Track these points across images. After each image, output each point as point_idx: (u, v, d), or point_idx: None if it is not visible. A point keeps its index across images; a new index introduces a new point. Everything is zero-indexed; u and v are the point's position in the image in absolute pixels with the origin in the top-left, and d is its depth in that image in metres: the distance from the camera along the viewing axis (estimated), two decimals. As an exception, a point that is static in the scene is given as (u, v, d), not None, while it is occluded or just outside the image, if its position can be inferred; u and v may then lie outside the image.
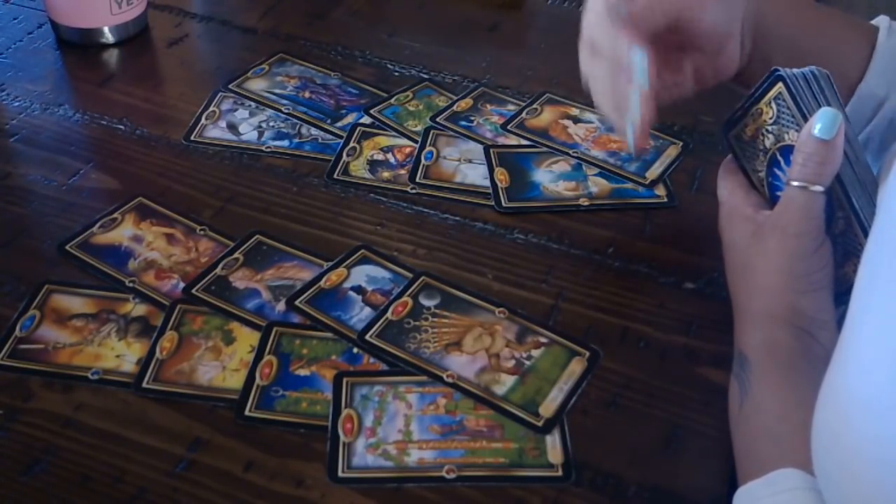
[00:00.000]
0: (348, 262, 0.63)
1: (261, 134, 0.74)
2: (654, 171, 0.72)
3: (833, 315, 0.50)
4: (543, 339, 0.58)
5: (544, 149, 0.73)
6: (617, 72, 0.57)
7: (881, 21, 0.60)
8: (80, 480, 0.50)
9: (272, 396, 0.54)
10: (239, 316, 0.59)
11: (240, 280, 0.61)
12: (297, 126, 0.75)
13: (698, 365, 0.58)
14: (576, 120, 0.77)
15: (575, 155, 0.73)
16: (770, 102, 0.55)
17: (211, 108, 0.77)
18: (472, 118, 0.77)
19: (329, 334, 0.58)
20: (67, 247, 0.63)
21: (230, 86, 0.79)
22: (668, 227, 0.68)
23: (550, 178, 0.71)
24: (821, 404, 0.39)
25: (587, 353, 0.58)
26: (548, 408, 0.54)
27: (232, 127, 0.75)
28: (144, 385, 0.54)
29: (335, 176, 0.70)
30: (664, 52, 0.57)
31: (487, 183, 0.70)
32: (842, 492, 0.37)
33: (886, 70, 0.58)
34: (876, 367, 0.35)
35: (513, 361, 0.57)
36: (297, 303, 0.59)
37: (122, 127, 0.74)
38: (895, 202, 0.39)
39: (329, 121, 0.76)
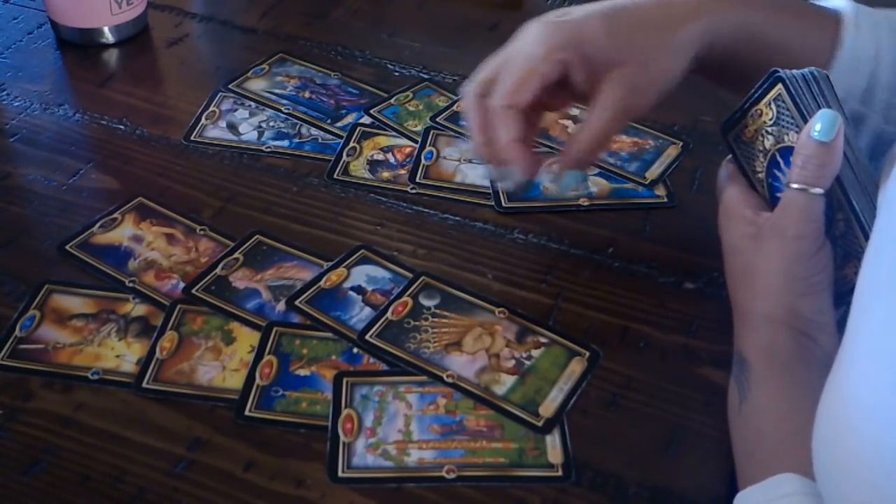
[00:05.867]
0: (348, 262, 0.63)
1: (261, 134, 0.74)
2: (654, 171, 0.72)
3: (833, 317, 0.50)
4: (543, 339, 0.58)
5: (544, 149, 0.73)
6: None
7: (846, 11, 0.57)
8: (80, 480, 0.50)
9: (272, 396, 0.54)
10: (239, 316, 0.59)
11: (240, 280, 0.61)
12: (297, 126, 0.75)
13: (698, 365, 0.58)
14: (576, 120, 0.77)
15: (575, 155, 0.73)
16: (770, 103, 0.55)
17: (211, 108, 0.77)
18: (472, 118, 0.76)
19: (329, 334, 0.58)
20: (67, 247, 0.63)
21: (230, 86, 0.79)
22: (668, 227, 0.68)
23: (550, 178, 0.71)
24: (822, 407, 0.39)
25: (587, 353, 0.58)
26: (548, 408, 0.54)
27: (232, 127, 0.75)
28: (144, 385, 0.54)
29: (335, 176, 0.70)
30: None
31: (487, 183, 0.70)
32: (842, 495, 0.37)
33: (850, 73, 0.56)
34: (877, 371, 0.35)
35: (513, 361, 0.57)
36: (297, 303, 0.59)
37: (122, 127, 0.74)
38: (895, 205, 0.39)
39: (329, 121, 0.76)
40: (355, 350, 0.57)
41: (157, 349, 0.56)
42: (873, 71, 0.57)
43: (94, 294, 0.60)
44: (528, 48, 0.56)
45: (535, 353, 0.57)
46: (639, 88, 0.56)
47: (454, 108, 0.77)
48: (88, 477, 0.50)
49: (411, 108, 0.77)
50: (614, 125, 0.57)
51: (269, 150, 0.73)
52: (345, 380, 0.55)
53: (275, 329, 0.58)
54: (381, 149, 0.73)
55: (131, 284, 0.61)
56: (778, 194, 0.54)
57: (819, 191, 0.50)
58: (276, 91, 0.79)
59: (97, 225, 0.65)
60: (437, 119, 0.76)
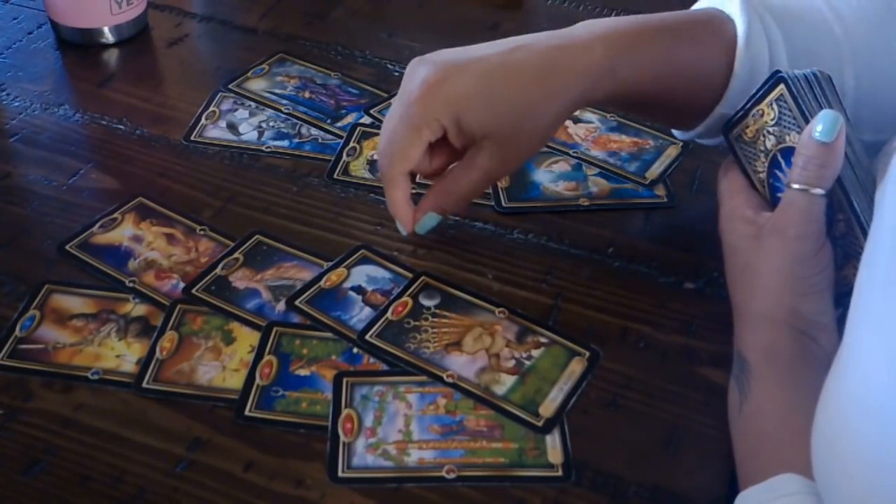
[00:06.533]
0: (348, 262, 0.63)
1: (261, 134, 0.74)
2: (654, 171, 0.72)
3: (833, 317, 0.50)
4: (543, 339, 0.58)
5: (544, 149, 0.73)
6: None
7: (739, 25, 0.57)
8: (80, 480, 0.50)
9: (272, 396, 0.54)
10: (239, 316, 0.59)
11: (240, 280, 0.61)
12: (297, 126, 0.75)
13: (698, 365, 0.58)
14: (576, 120, 0.77)
15: (575, 155, 0.73)
16: (771, 104, 0.55)
17: (211, 108, 0.77)
18: (472, 118, 0.76)
19: (329, 334, 0.58)
20: (67, 247, 0.63)
21: (230, 86, 0.79)
22: (668, 227, 0.68)
23: (550, 178, 0.71)
24: (821, 407, 0.39)
25: (587, 353, 0.58)
26: (548, 408, 0.54)
27: (232, 127, 0.75)
28: (144, 385, 0.54)
29: (335, 176, 0.70)
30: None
31: (487, 183, 0.70)
32: (841, 495, 0.37)
33: (745, 91, 0.56)
34: (875, 370, 0.35)
35: (513, 361, 0.57)
36: (297, 303, 0.59)
37: (122, 127, 0.74)
38: (891, 205, 0.39)
39: (329, 121, 0.76)
40: (355, 350, 0.57)
41: (157, 349, 0.56)
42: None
43: (94, 294, 0.60)
44: (412, 118, 0.58)
45: (535, 353, 0.57)
46: (508, 158, 0.60)
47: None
48: (88, 477, 0.50)
49: (411, 108, 0.77)
50: (481, 186, 0.61)
51: (269, 150, 0.73)
52: (345, 380, 0.55)
53: (275, 329, 0.58)
54: (382, 149, 0.73)
55: (131, 284, 0.61)
56: (779, 194, 0.54)
57: (820, 191, 0.50)
58: (276, 91, 0.79)
59: (97, 225, 0.65)
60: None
